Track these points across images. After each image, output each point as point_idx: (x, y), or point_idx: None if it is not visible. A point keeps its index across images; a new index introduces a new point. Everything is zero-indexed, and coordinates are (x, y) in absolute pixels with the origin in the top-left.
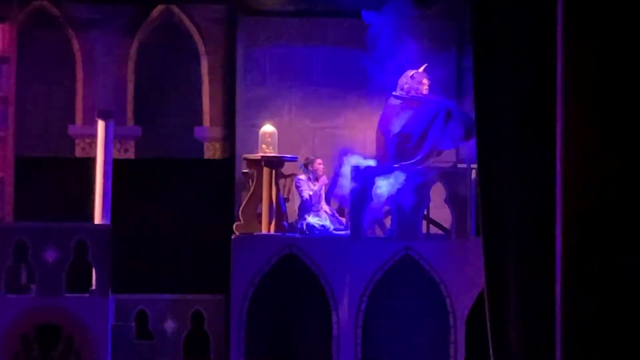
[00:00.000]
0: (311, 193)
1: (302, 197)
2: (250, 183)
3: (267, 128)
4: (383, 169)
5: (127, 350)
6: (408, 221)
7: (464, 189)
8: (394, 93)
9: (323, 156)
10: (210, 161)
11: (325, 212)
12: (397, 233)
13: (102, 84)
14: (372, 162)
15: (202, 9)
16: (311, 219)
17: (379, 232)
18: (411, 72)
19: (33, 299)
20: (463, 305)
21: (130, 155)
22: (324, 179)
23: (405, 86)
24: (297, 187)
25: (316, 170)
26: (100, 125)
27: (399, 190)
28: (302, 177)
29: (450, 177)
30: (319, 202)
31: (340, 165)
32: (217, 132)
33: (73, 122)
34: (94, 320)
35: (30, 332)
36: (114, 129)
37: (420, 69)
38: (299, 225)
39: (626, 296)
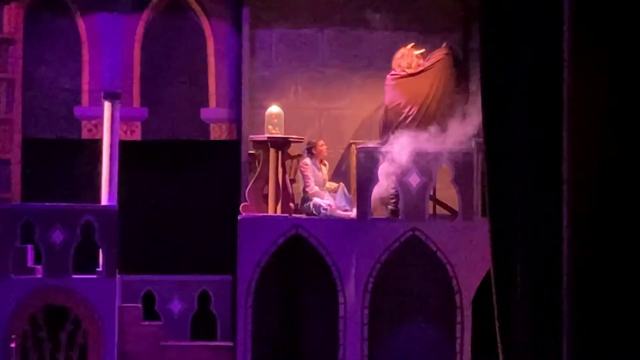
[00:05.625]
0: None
1: (306, 183)
2: (257, 164)
3: (274, 109)
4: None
5: (134, 330)
6: (414, 202)
7: (471, 170)
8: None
9: (329, 137)
10: (216, 142)
11: (332, 192)
12: (404, 214)
13: (108, 66)
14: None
15: None
16: (317, 199)
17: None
18: (400, 52)
19: (40, 280)
20: (469, 286)
21: (137, 136)
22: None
23: (398, 67)
24: (302, 173)
25: (320, 152)
26: (107, 106)
27: (405, 170)
28: (307, 161)
29: (457, 157)
30: (324, 185)
31: None
32: (224, 113)
33: (79, 103)
34: (101, 301)
35: (38, 313)
36: (120, 111)
37: (409, 46)
38: (305, 206)
39: (634, 279)
